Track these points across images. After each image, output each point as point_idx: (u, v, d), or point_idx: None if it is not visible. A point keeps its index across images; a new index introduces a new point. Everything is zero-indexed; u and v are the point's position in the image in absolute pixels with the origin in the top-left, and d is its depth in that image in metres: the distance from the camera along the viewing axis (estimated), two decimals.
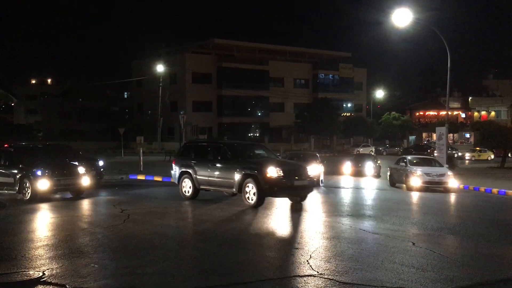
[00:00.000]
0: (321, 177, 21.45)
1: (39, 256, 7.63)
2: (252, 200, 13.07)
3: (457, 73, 65.02)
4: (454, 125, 65.97)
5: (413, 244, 9.07)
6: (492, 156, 52.69)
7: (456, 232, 10.77)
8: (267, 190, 12.89)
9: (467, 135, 75.99)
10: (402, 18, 25.05)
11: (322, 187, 20.70)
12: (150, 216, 11.78)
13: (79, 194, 15.28)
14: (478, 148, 55.64)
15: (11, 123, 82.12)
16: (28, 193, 14.18)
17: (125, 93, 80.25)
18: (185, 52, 62.77)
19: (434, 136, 36.00)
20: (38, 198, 14.15)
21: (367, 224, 11.30)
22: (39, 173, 14.14)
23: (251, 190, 13.08)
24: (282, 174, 12.94)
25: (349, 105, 74.99)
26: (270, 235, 9.84)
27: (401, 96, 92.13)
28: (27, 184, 14.20)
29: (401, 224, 11.57)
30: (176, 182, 15.52)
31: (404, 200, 17.45)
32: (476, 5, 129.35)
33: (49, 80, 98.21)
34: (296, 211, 12.99)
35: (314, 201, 15.26)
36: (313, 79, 71.89)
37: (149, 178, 22.95)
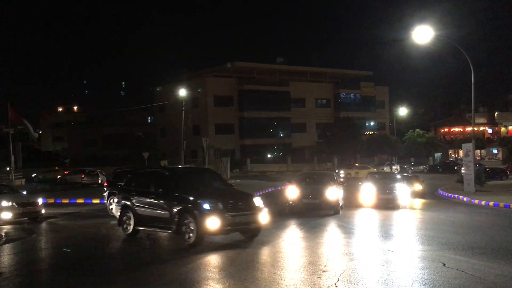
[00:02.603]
0: (340, 202, 17.78)
1: None
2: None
3: (481, 88, 64.04)
4: (480, 141, 64.67)
5: (444, 265, 8.79)
6: None
7: (487, 251, 10.40)
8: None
9: (495, 151, 74.30)
10: (423, 35, 24.91)
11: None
12: None
13: (254, 235, 11.47)
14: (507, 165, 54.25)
15: (38, 151, 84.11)
16: (192, 236, 10.51)
17: (149, 118, 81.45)
18: (206, 76, 63.55)
19: (461, 152, 35.27)
20: (204, 242, 10.75)
21: (394, 244, 11.03)
22: (206, 206, 10.54)
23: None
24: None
25: (371, 123, 74.43)
26: (296, 256, 9.68)
27: (424, 113, 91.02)
28: (191, 222, 10.56)
29: (430, 243, 11.26)
30: None
31: (425, 219, 17.02)
32: (497, 19, 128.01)
33: (75, 108, 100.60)
34: (318, 232, 12.79)
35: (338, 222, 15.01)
36: (334, 98, 71.74)
37: None
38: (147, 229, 12.00)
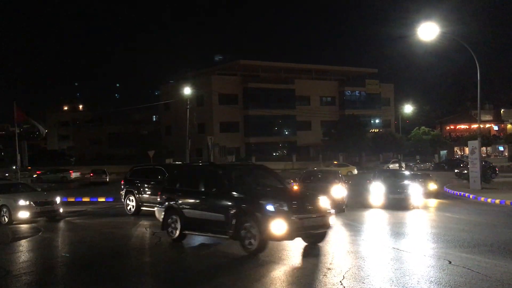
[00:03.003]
0: (345, 201, 17.49)
1: None
2: None
3: (487, 85, 63.71)
4: (487, 138, 64.36)
5: (450, 262, 8.78)
6: None
7: (493, 249, 10.37)
8: None
9: (501, 148, 73.93)
10: (428, 32, 24.81)
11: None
12: None
13: (318, 241, 10.50)
14: None
15: (44, 149, 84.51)
16: (253, 242, 9.36)
17: (154, 116, 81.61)
18: (211, 74, 63.59)
19: (467, 150, 35.13)
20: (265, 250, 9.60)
21: (400, 243, 11.02)
22: (270, 207, 9.30)
23: None
24: None
25: (377, 121, 74.22)
26: (302, 254, 9.69)
27: (430, 111, 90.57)
28: (252, 226, 9.37)
29: (436, 241, 11.24)
30: None
31: (431, 217, 16.98)
32: (503, 16, 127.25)
33: (80, 106, 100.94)
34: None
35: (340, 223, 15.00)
36: (339, 96, 71.59)
37: None
38: (197, 233, 10.90)
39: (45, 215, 16.56)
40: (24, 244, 12.03)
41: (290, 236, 9.45)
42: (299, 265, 8.80)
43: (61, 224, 15.75)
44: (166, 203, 11.49)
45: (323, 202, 10.15)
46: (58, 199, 17.12)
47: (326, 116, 67.13)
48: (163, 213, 11.48)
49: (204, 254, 10.23)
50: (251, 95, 62.40)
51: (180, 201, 11.15)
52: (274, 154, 65.34)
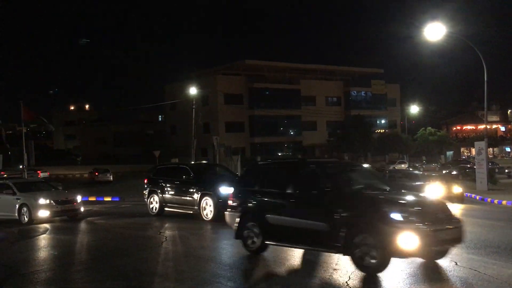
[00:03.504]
0: None
1: None
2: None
3: (494, 86, 63.42)
4: (493, 139, 64.08)
5: (456, 263, 8.73)
6: None
7: (500, 250, 10.30)
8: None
9: (508, 149, 73.56)
10: (434, 32, 24.70)
11: None
12: None
13: (442, 255, 8.81)
14: None
15: (51, 149, 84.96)
16: (372, 258, 7.61)
17: (159, 116, 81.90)
18: (216, 74, 63.68)
19: (473, 150, 34.99)
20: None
21: None
22: (397, 216, 7.61)
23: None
24: None
25: (382, 121, 74.07)
26: (307, 255, 9.67)
27: (436, 111, 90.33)
28: (370, 238, 7.70)
29: None
30: None
31: None
32: (510, 16, 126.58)
33: (86, 106, 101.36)
34: None
35: None
36: (345, 96, 71.48)
37: None
38: (285, 245, 9.21)
39: (66, 214, 16.22)
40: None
41: (422, 252, 7.75)
42: (304, 265, 8.78)
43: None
44: (242, 207, 9.80)
45: (451, 209, 8.55)
46: (79, 198, 16.76)
47: (332, 116, 67.06)
48: (238, 219, 9.68)
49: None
50: (257, 95, 62.44)
51: (260, 205, 9.42)
52: (279, 154, 65.34)
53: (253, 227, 9.31)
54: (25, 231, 13.98)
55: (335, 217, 8.01)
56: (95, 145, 76.61)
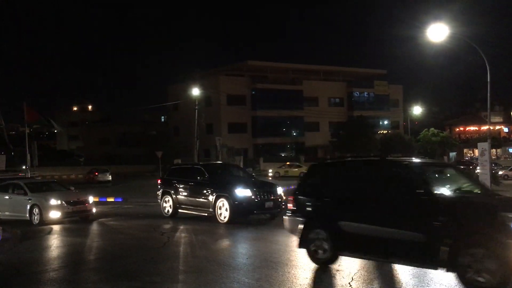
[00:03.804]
0: None
1: None
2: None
3: (497, 87, 63.34)
4: (496, 140, 63.93)
5: None
6: None
7: None
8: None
9: (511, 150, 73.38)
10: (437, 33, 24.61)
11: None
12: None
13: None
14: None
15: (54, 149, 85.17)
16: (485, 276, 6.43)
17: (162, 117, 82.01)
18: (219, 75, 63.73)
19: (476, 152, 34.92)
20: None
21: None
22: None
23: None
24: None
25: (385, 122, 74.01)
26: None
27: (439, 112, 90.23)
28: (485, 255, 6.46)
29: None
30: None
31: None
32: None
33: (89, 107, 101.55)
34: None
35: None
36: (348, 97, 71.47)
37: None
38: (365, 257, 8.13)
39: (77, 215, 15.97)
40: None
41: None
42: (308, 266, 8.77)
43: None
44: (306, 211, 8.71)
45: None
46: (91, 199, 16.49)
47: (334, 117, 67.01)
48: (301, 225, 8.63)
49: None
50: (259, 96, 62.49)
51: (331, 210, 8.36)
52: (282, 155, 65.34)
53: (322, 235, 8.26)
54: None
55: (434, 226, 6.84)
56: (98, 146, 76.70)
